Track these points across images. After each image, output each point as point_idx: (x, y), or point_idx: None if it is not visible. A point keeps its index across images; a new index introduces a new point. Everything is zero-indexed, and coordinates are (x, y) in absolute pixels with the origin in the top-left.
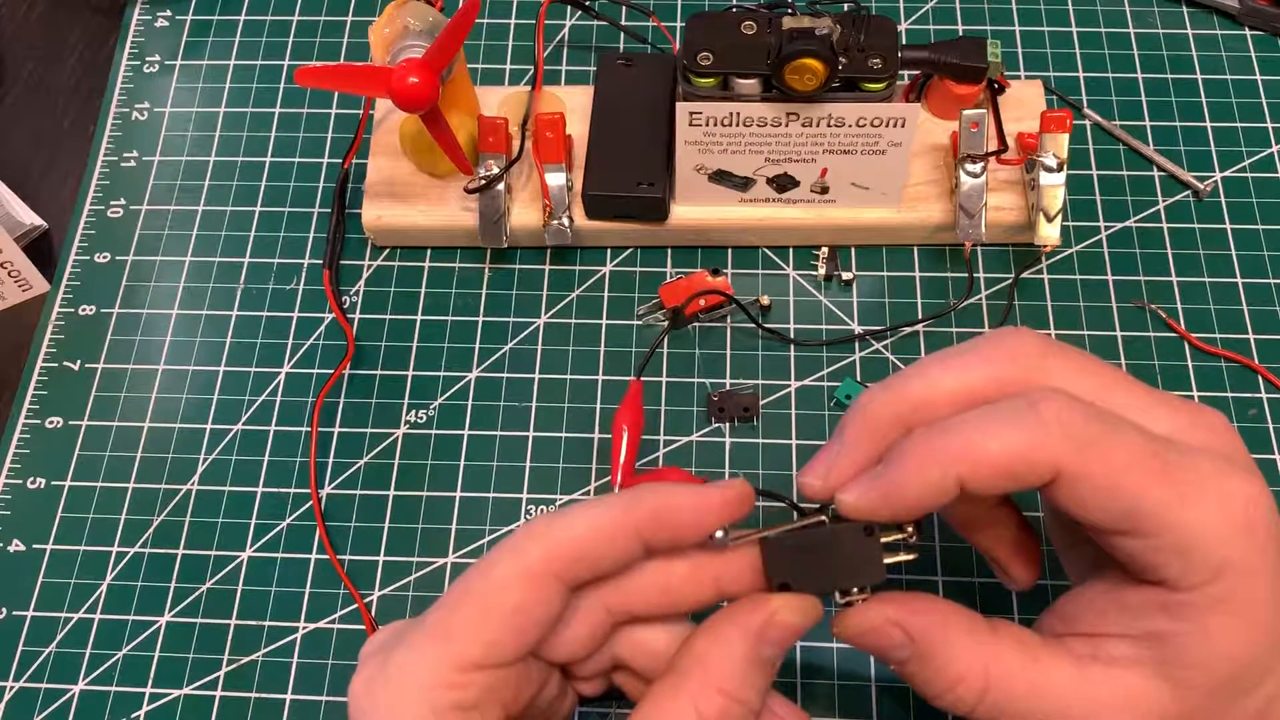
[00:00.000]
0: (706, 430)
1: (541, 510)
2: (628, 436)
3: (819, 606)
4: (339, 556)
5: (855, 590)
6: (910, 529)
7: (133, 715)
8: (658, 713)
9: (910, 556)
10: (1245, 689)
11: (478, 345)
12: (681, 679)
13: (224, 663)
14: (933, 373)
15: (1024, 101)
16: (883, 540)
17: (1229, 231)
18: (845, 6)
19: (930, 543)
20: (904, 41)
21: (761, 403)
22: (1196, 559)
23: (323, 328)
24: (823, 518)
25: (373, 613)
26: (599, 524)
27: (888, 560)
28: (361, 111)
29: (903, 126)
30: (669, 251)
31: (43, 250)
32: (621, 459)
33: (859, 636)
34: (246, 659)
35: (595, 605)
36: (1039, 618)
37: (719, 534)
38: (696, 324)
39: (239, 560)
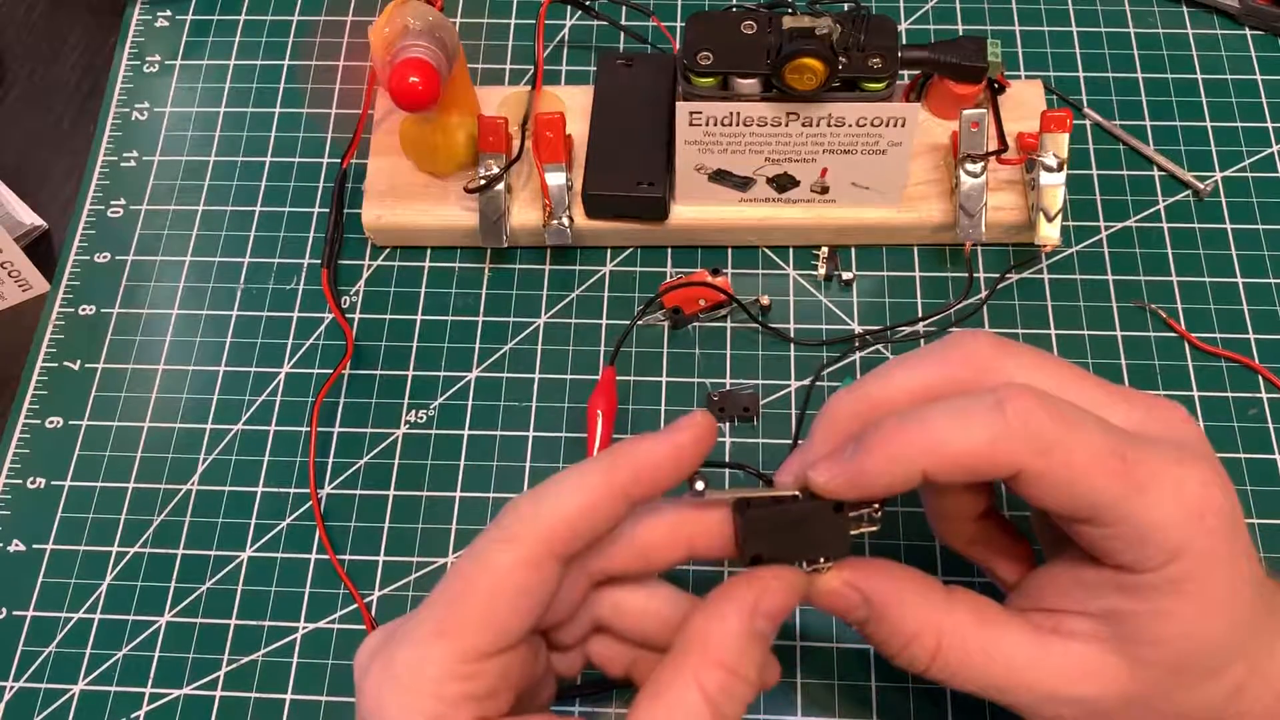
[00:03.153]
0: None
1: None
2: (602, 421)
3: (804, 580)
4: (339, 556)
5: (822, 560)
6: (876, 505)
7: (133, 715)
8: (663, 689)
9: (873, 528)
10: (1209, 671)
11: (478, 345)
12: (683, 657)
13: (224, 663)
14: (892, 375)
15: (1024, 101)
16: (850, 515)
17: (1229, 231)
18: (845, 6)
19: (929, 543)
20: (904, 41)
21: (761, 403)
22: (1152, 546)
23: (322, 328)
24: (796, 492)
25: (373, 613)
26: (586, 495)
27: (853, 533)
28: (361, 111)
29: (903, 126)
30: (669, 251)
31: (43, 250)
32: (597, 444)
33: (819, 597)
34: (246, 659)
35: (577, 571)
36: (1007, 596)
37: (699, 486)
38: (696, 324)
39: (239, 560)
